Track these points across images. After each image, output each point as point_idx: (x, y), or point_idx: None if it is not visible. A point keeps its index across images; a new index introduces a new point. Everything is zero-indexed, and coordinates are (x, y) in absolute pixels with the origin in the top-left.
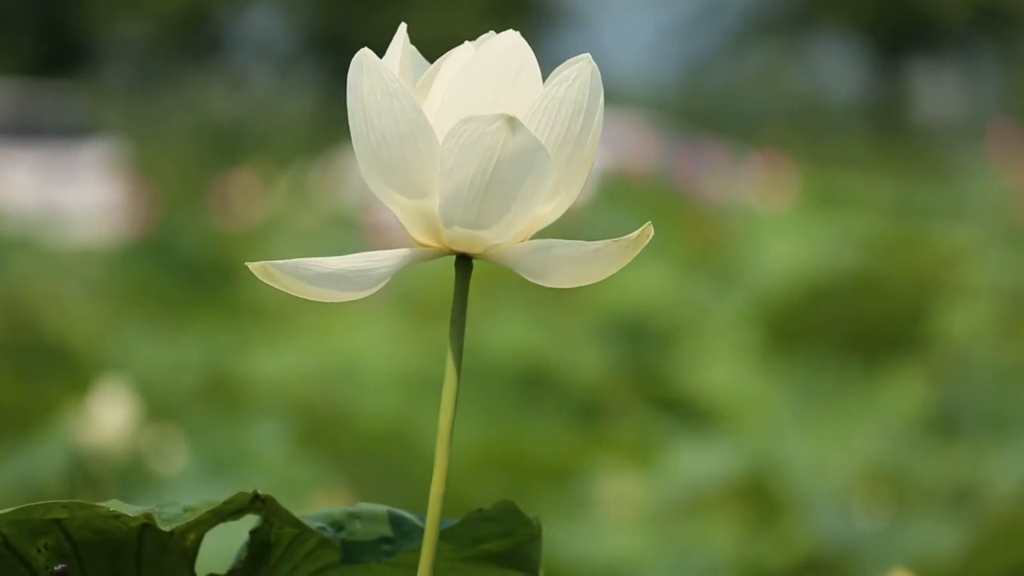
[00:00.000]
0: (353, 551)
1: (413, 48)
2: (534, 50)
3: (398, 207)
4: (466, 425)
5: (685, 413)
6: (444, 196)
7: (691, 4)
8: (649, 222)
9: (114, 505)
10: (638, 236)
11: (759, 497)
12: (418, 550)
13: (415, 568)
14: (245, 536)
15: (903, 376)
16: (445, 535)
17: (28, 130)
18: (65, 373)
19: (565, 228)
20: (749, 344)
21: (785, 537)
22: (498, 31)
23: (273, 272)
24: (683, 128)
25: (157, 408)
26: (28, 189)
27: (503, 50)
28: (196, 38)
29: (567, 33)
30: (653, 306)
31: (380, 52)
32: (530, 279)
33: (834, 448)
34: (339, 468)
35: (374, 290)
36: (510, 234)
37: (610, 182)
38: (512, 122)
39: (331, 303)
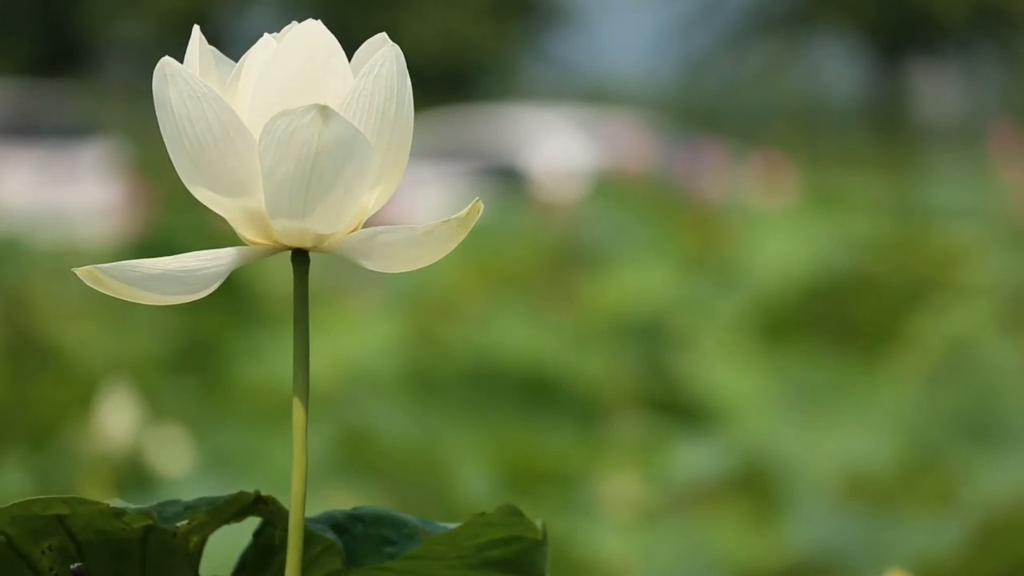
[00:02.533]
0: (356, 554)
1: (212, 48)
2: (533, 49)
3: (225, 210)
4: (468, 426)
5: (684, 412)
6: (268, 193)
7: (690, 4)
8: (478, 198)
9: (114, 502)
10: (467, 214)
11: (758, 496)
12: (424, 557)
13: (417, 573)
14: (248, 539)
15: (902, 376)
16: (446, 539)
17: (28, 130)
18: (65, 373)
19: (563, 229)
20: (748, 343)
21: (783, 536)
22: (497, 31)
23: (101, 277)
24: (682, 128)
25: (158, 408)
26: (28, 189)
27: (308, 40)
28: None
29: (567, 33)
30: (651, 305)
31: None
32: (367, 267)
33: (833, 447)
34: (339, 469)
35: (208, 291)
36: (339, 224)
37: (608, 182)
38: (325, 111)
39: (333, 304)
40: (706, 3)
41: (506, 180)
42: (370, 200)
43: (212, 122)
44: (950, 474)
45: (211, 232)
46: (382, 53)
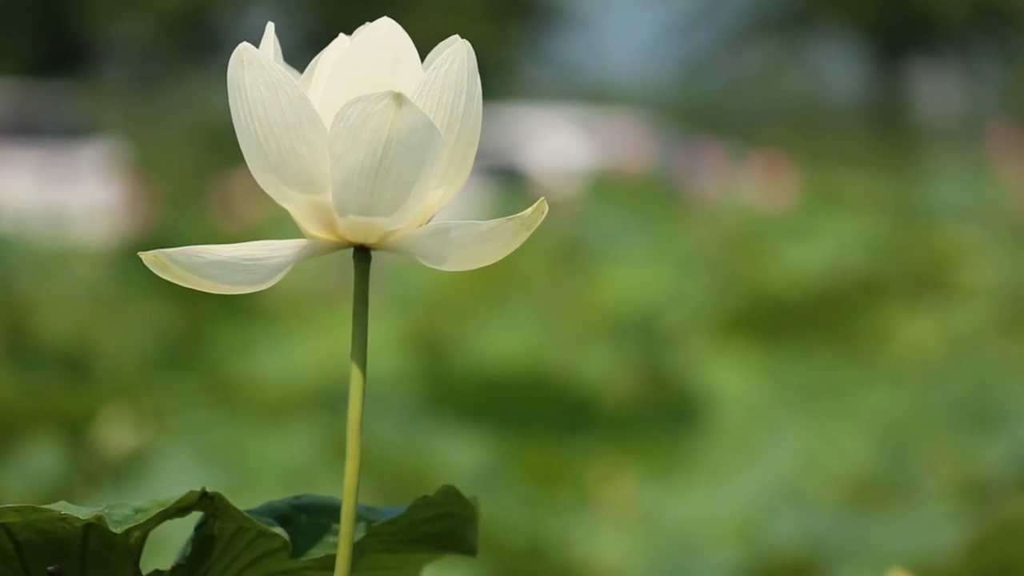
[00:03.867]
0: (300, 544)
1: (285, 65)
2: (533, 49)
3: (291, 203)
4: (467, 426)
5: (683, 411)
6: (336, 183)
7: (690, 3)
8: (543, 198)
9: (64, 508)
10: (532, 212)
11: (758, 497)
12: (364, 540)
13: (354, 552)
14: (191, 532)
15: (901, 375)
16: (391, 523)
17: (28, 130)
18: (64, 373)
19: (562, 228)
20: (747, 343)
21: (784, 537)
22: (497, 32)
23: (165, 262)
24: (682, 128)
25: (157, 408)
26: (28, 189)
27: (380, 38)
28: (195, 38)
29: (567, 33)
30: (650, 305)
31: None
32: (429, 265)
33: (831, 447)
34: (336, 471)
35: (272, 282)
36: (405, 219)
37: (608, 182)
38: (399, 98)
39: (335, 305)
40: (705, 3)
41: (506, 180)
42: (435, 198)
43: (285, 108)
44: (949, 474)
45: (212, 232)
46: (454, 48)
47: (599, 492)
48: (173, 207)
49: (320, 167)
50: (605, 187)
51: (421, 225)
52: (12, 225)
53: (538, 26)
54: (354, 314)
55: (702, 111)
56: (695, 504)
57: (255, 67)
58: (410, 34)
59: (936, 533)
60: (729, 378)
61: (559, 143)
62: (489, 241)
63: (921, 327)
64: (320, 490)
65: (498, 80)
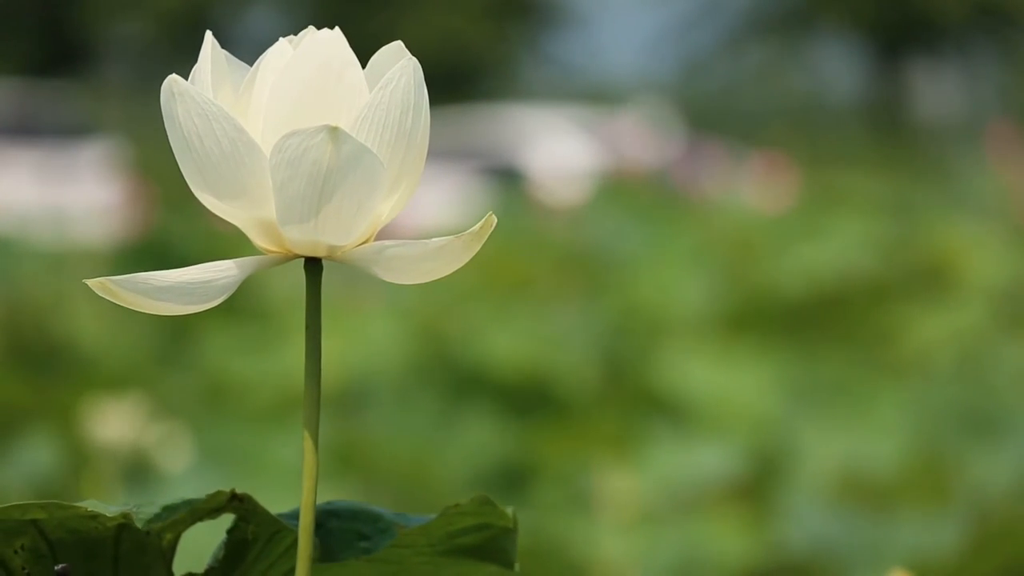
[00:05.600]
0: (331, 548)
1: (225, 52)
2: (533, 49)
3: (236, 219)
4: (470, 428)
5: (686, 412)
6: (279, 207)
7: (690, 3)
8: (491, 212)
9: (92, 505)
10: (480, 228)
11: (755, 497)
12: (396, 546)
13: (393, 564)
14: (223, 535)
15: (902, 375)
16: (421, 530)
17: (28, 130)
18: (66, 373)
19: (564, 228)
20: (750, 343)
21: (783, 536)
22: (497, 32)
23: (112, 288)
24: (682, 128)
25: (159, 408)
26: (28, 189)
27: (322, 52)
28: (195, 38)
29: (566, 33)
30: (653, 306)
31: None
32: (381, 277)
33: (833, 447)
34: (339, 474)
35: (220, 300)
36: (351, 237)
37: (608, 182)
38: (335, 133)
39: (337, 306)
40: (705, 3)
41: (506, 180)
42: (385, 209)
43: (221, 139)
44: (950, 474)
45: (211, 232)
46: (400, 67)
47: (601, 494)
48: (172, 207)
49: (262, 188)
50: (607, 188)
51: (371, 235)
52: (12, 225)
53: (538, 26)
54: (307, 326)
55: (703, 111)
56: (696, 503)
57: (187, 100)
58: (409, 34)
59: (937, 533)
60: (732, 377)
61: (559, 143)
62: (439, 258)
63: (922, 327)
64: (320, 493)
65: (498, 80)
